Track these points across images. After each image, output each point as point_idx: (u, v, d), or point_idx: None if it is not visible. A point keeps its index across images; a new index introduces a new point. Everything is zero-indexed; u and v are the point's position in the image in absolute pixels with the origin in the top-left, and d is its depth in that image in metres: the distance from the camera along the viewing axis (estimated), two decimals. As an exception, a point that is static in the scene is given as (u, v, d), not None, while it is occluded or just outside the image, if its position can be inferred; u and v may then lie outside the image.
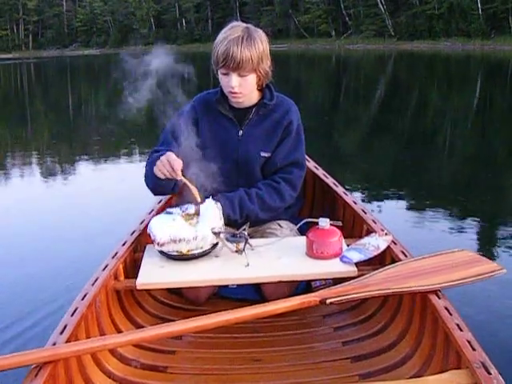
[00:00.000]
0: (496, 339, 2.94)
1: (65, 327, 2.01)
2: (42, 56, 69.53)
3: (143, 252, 2.59)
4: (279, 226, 2.85)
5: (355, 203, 3.09)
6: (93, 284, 2.30)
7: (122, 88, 2.82)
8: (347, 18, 62.12)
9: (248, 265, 2.39)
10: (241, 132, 2.78)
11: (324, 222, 2.44)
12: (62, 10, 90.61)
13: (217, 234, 2.44)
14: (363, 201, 5.84)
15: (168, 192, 2.76)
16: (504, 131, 10.31)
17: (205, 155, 2.78)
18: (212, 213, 2.48)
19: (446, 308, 2.03)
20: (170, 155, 2.48)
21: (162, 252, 2.47)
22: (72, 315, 2.08)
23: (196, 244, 2.42)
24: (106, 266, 2.44)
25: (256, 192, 2.70)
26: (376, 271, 2.30)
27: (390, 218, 5.06)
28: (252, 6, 70.52)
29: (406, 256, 2.42)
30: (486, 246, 4.44)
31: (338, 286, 2.24)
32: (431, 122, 11.63)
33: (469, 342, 1.82)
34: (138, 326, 2.52)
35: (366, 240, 2.56)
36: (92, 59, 57.10)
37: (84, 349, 1.97)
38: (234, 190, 2.74)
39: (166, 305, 2.80)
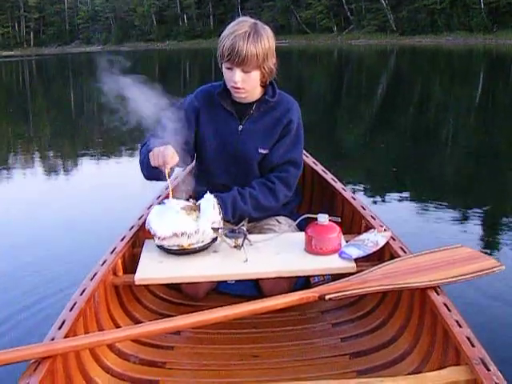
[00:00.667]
0: (495, 336, 2.93)
1: (63, 322, 2.00)
2: (43, 53, 69.49)
3: (142, 247, 2.60)
4: (278, 221, 2.85)
5: (354, 199, 3.09)
6: (91, 279, 2.29)
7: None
8: (349, 13, 62.10)
9: (247, 260, 2.39)
10: (240, 127, 2.78)
11: (323, 218, 2.44)
12: (63, 7, 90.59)
13: (216, 229, 2.45)
14: (364, 196, 5.84)
15: (161, 179, 2.65)
16: (507, 126, 10.28)
17: (204, 147, 2.80)
18: (212, 207, 2.48)
19: (445, 304, 2.02)
20: (167, 149, 2.45)
21: (161, 247, 2.47)
22: (70, 310, 2.08)
23: (197, 238, 2.43)
24: (105, 262, 2.43)
25: (249, 192, 2.69)
26: (375, 267, 2.30)
27: (390, 214, 5.07)
28: (253, 2, 70.40)
29: (404, 252, 2.42)
30: (487, 243, 4.42)
31: (337, 281, 2.24)
32: (433, 117, 11.60)
33: (468, 338, 1.82)
34: (137, 322, 2.52)
35: (364, 236, 2.56)
36: (92, 56, 57.01)
37: (82, 344, 1.97)
38: (231, 183, 2.75)
39: (165, 300, 2.80)
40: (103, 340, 2.03)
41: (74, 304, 2.12)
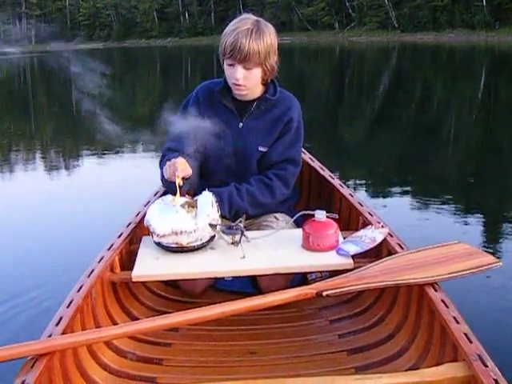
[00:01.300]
0: (493, 332, 2.92)
1: (60, 319, 2.01)
2: (44, 50, 69.44)
3: (139, 244, 2.60)
4: (275, 218, 2.84)
5: (351, 196, 3.09)
6: (88, 276, 2.29)
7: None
8: (350, 10, 61.99)
9: (244, 257, 2.39)
10: (241, 124, 2.78)
11: (320, 215, 2.44)
12: (64, 4, 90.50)
13: (213, 226, 2.45)
14: (364, 192, 5.85)
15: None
16: (509, 123, 10.27)
17: (205, 145, 2.80)
18: (210, 204, 2.48)
19: (443, 300, 2.02)
20: (178, 161, 2.47)
21: (159, 244, 2.47)
22: (68, 307, 2.08)
23: (196, 236, 2.43)
24: (102, 258, 2.43)
25: (246, 188, 2.70)
26: (372, 264, 2.30)
27: (389, 210, 5.10)
28: (255, -1, 70.30)
29: (402, 248, 2.42)
30: (485, 239, 4.43)
31: (335, 278, 2.24)
32: (435, 114, 11.59)
33: (465, 334, 1.82)
34: (134, 319, 2.52)
35: (362, 232, 2.56)
36: (95, 53, 57.00)
37: (80, 341, 1.97)
38: (230, 180, 2.75)
39: (162, 297, 2.80)
40: (100, 337, 2.04)
41: (71, 301, 2.12)
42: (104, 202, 5.74)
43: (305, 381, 1.89)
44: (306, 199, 3.53)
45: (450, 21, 51.53)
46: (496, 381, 1.62)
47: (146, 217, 2.51)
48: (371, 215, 2.76)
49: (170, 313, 2.14)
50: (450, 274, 2.20)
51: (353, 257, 2.40)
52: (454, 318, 1.91)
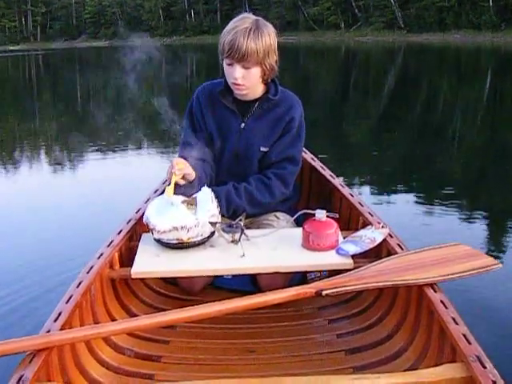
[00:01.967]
0: (491, 333, 2.92)
1: (59, 315, 2.01)
2: (50, 48, 69.56)
3: (139, 241, 2.60)
4: (276, 217, 2.84)
5: (352, 195, 3.09)
6: (88, 272, 2.30)
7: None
8: (356, 10, 61.91)
9: (244, 255, 2.39)
10: (243, 125, 2.78)
11: (320, 214, 2.44)
12: (70, 1, 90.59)
13: (213, 224, 2.45)
14: (367, 192, 5.85)
15: (186, 194, 2.66)
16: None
17: (208, 145, 2.80)
18: (210, 200, 2.49)
19: (442, 301, 2.02)
20: (176, 160, 2.50)
21: (159, 241, 2.47)
22: (66, 303, 2.08)
23: (197, 232, 2.43)
24: (102, 255, 2.44)
25: (245, 187, 2.70)
26: (372, 264, 2.30)
27: (391, 210, 5.09)
28: (261, -2, 70.26)
29: (402, 249, 2.42)
30: (487, 241, 4.41)
31: (334, 277, 2.24)
32: (440, 115, 11.59)
33: (464, 335, 1.82)
34: (133, 315, 2.52)
35: (362, 232, 2.56)
36: (100, 51, 57.10)
37: (78, 336, 1.97)
38: (231, 181, 2.75)
39: (161, 294, 2.80)
40: (99, 333, 2.04)
41: (70, 296, 2.12)
42: (104, 198, 5.76)
43: (302, 380, 1.88)
44: (306, 198, 3.53)
45: (456, 21, 51.42)
46: (494, 382, 1.61)
47: (146, 214, 2.51)
48: (371, 215, 2.76)
49: (168, 310, 2.14)
50: (449, 275, 2.20)
51: (352, 257, 2.40)
52: (453, 319, 1.91)
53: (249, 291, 2.42)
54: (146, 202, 2.94)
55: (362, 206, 2.91)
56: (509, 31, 45.95)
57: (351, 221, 3.00)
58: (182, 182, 2.52)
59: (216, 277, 2.79)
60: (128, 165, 7.55)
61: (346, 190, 3.16)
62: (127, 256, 2.62)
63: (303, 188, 3.52)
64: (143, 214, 2.57)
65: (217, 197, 2.57)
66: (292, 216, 2.71)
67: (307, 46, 49.60)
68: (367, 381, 1.80)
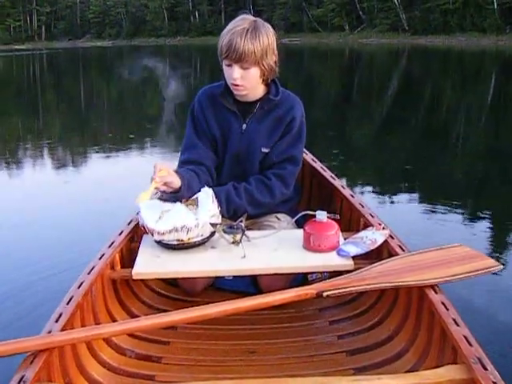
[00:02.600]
0: (493, 335, 2.92)
1: (60, 315, 2.01)
2: (54, 47, 69.69)
3: (140, 242, 2.60)
4: (277, 218, 2.84)
5: (353, 197, 3.08)
6: (89, 273, 2.30)
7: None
8: (361, 12, 61.92)
9: (244, 256, 2.39)
10: (244, 126, 2.77)
11: (321, 215, 2.43)
12: (75, 1, 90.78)
13: (214, 225, 2.45)
14: (370, 193, 5.85)
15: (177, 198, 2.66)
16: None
17: (213, 146, 2.81)
18: (210, 200, 2.49)
19: (443, 303, 2.02)
20: (160, 166, 2.45)
21: (160, 242, 2.47)
22: (67, 304, 2.08)
23: (197, 232, 2.43)
24: (103, 256, 2.44)
25: (245, 187, 2.70)
26: (373, 265, 2.29)
27: (393, 212, 5.09)
28: (265, -1, 70.32)
29: (403, 250, 2.41)
30: (489, 243, 4.40)
31: (335, 279, 2.24)
32: (444, 118, 11.60)
33: (465, 337, 1.81)
34: (134, 316, 2.52)
35: (363, 234, 2.56)
36: (104, 51, 57.19)
37: (79, 337, 1.97)
38: (231, 182, 2.75)
39: (162, 295, 2.80)
40: (100, 334, 2.04)
41: (71, 297, 2.12)
42: (105, 199, 5.77)
43: (303, 381, 1.88)
44: (307, 200, 3.52)
45: (460, 24, 51.38)
46: None
47: (140, 220, 2.50)
48: (372, 216, 2.76)
49: (169, 311, 2.14)
50: (450, 276, 2.19)
51: (353, 258, 2.39)
52: (454, 321, 1.90)
53: (250, 292, 2.43)
54: None
55: (362, 207, 2.91)
56: (513, 34, 45.92)
57: (352, 222, 2.99)
58: (164, 188, 2.49)
59: (217, 278, 2.79)
60: (131, 165, 7.57)
61: (346, 192, 3.16)
62: (128, 257, 2.62)
63: (304, 189, 3.52)
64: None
65: (217, 197, 2.57)
66: (293, 217, 2.71)
67: (311, 47, 49.59)
68: (368, 382, 1.80)
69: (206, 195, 2.50)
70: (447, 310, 1.98)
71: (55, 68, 35.71)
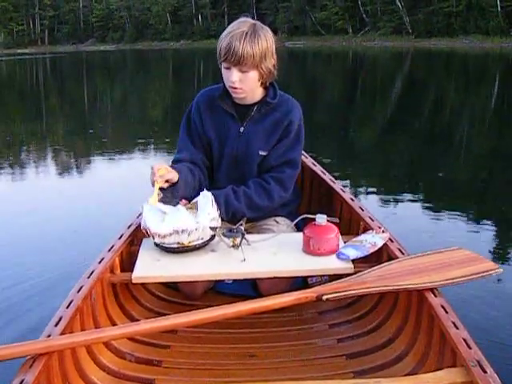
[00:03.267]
0: (492, 338, 2.91)
1: (60, 319, 2.01)
2: (57, 51, 69.84)
3: (140, 245, 2.60)
4: (276, 222, 2.85)
5: (352, 200, 3.08)
6: (89, 277, 2.30)
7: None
8: (364, 15, 61.88)
9: (244, 260, 2.39)
10: (242, 129, 2.78)
11: (321, 219, 2.44)
12: (78, 5, 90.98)
13: (214, 228, 2.45)
14: (372, 196, 5.85)
15: (167, 202, 2.66)
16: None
17: (206, 150, 2.82)
18: (210, 203, 2.49)
19: (442, 306, 2.02)
20: (156, 166, 2.48)
21: (160, 245, 2.47)
22: (67, 307, 2.09)
23: (197, 235, 2.44)
24: (102, 259, 2.44)
25: (244, 190, 2.70)
26: (372, 268, 2.30)
27: (395, 215, 5.09)
28: (268, 2, 70.25)
29: (402, 254, 2.41)
30: (487, 245, 4.38)
31: (335, 282, 2.25)
32: (447, 121, 11.59)
33: (465, 340, 1.81)
34: (134, 320, 2.53)
35: (362, 237, 2.56)
36: (108, 55, 57.29)
37: (79, 341, 1.98)
38: (230, 185, 2.75)
39: (162, 299, 2.80)
40: (99, 337, 2.05)
41: (71, 301, 2.13)
42: (105, 202, 5.77)
43: (303, 384, 1.90)
44: (307, 203, 3.52)
45: (464, 27, 51.30)
46: None
47: (143, 223, 2.51)
48: (372, 220, 2.76)
49: (169, 315, 2.15)
50: (450, 279, 2.20)
51: (353, 261, 2.39)
52: (454, 324, 1.91)
53: (249, 296, 2.43)
54: None
55: (362, 210, 2.91)
56: (517, 37, 45.82)
57: (352, 225, 2.99)
58: (166, 185, 2.52)
59: (217, 281, 2.79)
60: (131, 169, 7.57)
61: (346, 195, 3.16)
62: (128, 261, 2.62)
63: (304, 192, 3.52)
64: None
65: (216, 200, 2.57)
66: (292, 221, 2.72)
67: (315, 50, 49.59)
68: (367, 385, 1.81)
69: (206, 199, 2.51)
70: (447, 313, 1.98)
71: (58, 72, 35.75)
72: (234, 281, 2.72)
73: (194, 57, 46.48)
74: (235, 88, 2.63)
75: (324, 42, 60.84)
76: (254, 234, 2.72)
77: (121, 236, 2.67)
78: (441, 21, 53.02)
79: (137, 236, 2.74)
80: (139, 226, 2.72)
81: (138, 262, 2.45)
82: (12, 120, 13.67)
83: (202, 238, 2.46)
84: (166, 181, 2.51)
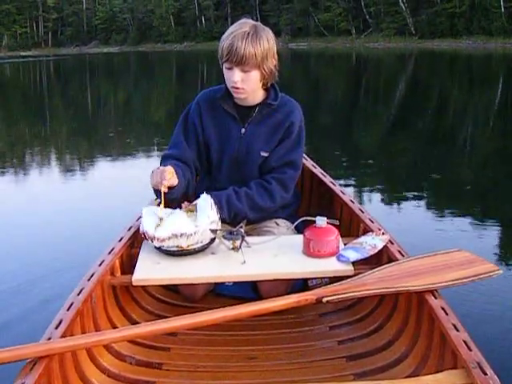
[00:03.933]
0: (492, 340, 2.91)
1: (60, 322, 2.01)
2: (61, 53, 69.95)
3: (140, 248, 2.60)
4: (276, 224, 2.85)
5: (352, 202, 3.08)
6: (89, 279, 2.30)
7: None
8: (367, 16, 61.84)
9: (244, 262, 2.39)
10: (243, 130, 2.78)
11: (321, 221, 2.43)
12: (81, 7, 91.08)
13: (214, 231, 2.45)
14: (375, 197, 5.85)
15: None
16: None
17: (207, 151, 2.82)
18: (210, 207, 2.49)
19: (443, 308, 2.02)
20: (166, 169, 2.48)
21: (159, 248, 2.47)
22: (68, 310, 2.09)
23: (196, 239, 2.43)
24: (103, 262, 2.44)
25: (245, 191, 2.71)
26: (373, 270, 2.30)
27: (395, 216, 5.08)
28: (272, 4, 70.27)
29: (402, 255, 2.41)
30: (488, 247, 4.36)
31: (335, 284, 2.24)
32: (451, 122, 11.58)
33: (465, 342, 1.81)
34: (134, 323, 2.52)
35: (362, 239, 2.56)
36: (111, 57, 57.36)
37: (79, 344, 1.98)
38: (232, 186, 2.75)
39: (162, 301, 2.80)
40: (100, 340, 2.04)
41: (71, 304, 2.13)
42: (105, 205, 5.78)
43: (303, 387, 1.89)
44: (307, 205, 3.52)
45: (467, 28, 51.23)
46: None
47: (141, 227, 2.51)
48: (372, 222, 2.76)
49: (169, 317, 2.14)
50: (450, 281, 2.19)
51: (353, 263, 2.39)
52: (454, 326, 1.90)
53: (250, 298, 2.42)
54: None
55: (362, 212, 2.91)
56: (521, 37, 45.74)
57: (352, 227, 2.99)
58: (166, 190, 2.51)
59: (217, 284, 2.79)
60: (132, 172, 7.57)
61: (346, 197, 3.16)
62: (128, 263, 2.63)
63: (304, 195, 3.51)
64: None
65: (218, 201, 2.59)
66: (292, 223, 2.71)
67: (318, 52, 49.62)
68: (368, 387, 1.81)
69: (205, 202, 2.51)
70: (447, 314, 1.98)
71: (62, 75, 35.79)
72: (235, 283, 2.71)
73: (198, 58, 46.43)
74: (237, 88, 2.64)
75: (327, 44, 60.83)
76: (254, 236, 2.71)
77: (121, 238, 2.67)
78: (444, 22, 52.95)
79: (137, 238, 2.74)
80: (139, 228, 2.73)
81: (138, 264, 2.45)
82: (15, 122, 13.69)
83: (202, 242, 2.46)
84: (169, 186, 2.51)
